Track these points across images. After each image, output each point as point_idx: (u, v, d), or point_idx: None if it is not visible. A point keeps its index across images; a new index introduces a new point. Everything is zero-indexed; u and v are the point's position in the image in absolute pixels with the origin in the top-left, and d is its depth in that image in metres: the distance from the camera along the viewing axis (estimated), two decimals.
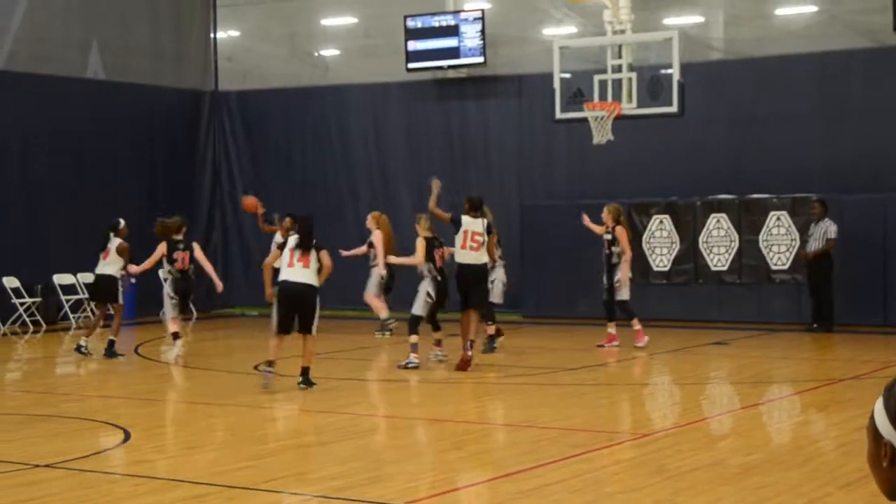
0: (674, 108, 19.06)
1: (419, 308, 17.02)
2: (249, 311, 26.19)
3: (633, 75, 19.39)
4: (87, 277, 24.94)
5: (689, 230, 23.56)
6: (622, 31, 19.31)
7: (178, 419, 13.33)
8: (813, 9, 23.33)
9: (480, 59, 25.46)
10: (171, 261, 18.32)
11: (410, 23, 25.93)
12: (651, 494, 9.13)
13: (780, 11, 23.68)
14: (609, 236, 19.16)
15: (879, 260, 21.93)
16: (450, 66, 25.97)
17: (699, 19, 24.22)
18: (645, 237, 23.81)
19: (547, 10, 25.30)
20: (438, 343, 17.55)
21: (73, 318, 24.57)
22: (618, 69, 19.34)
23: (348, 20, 27.88)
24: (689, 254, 23.51)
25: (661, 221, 23.69)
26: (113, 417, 13.08)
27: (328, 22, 28.09)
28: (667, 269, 23.70)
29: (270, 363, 14.90)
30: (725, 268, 23.24)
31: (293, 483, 9.66)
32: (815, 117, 22.97)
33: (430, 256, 16.94)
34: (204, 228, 28.21)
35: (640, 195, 23.99)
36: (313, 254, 14.94)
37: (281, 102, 28.21)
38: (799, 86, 23.08)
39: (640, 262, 23.41)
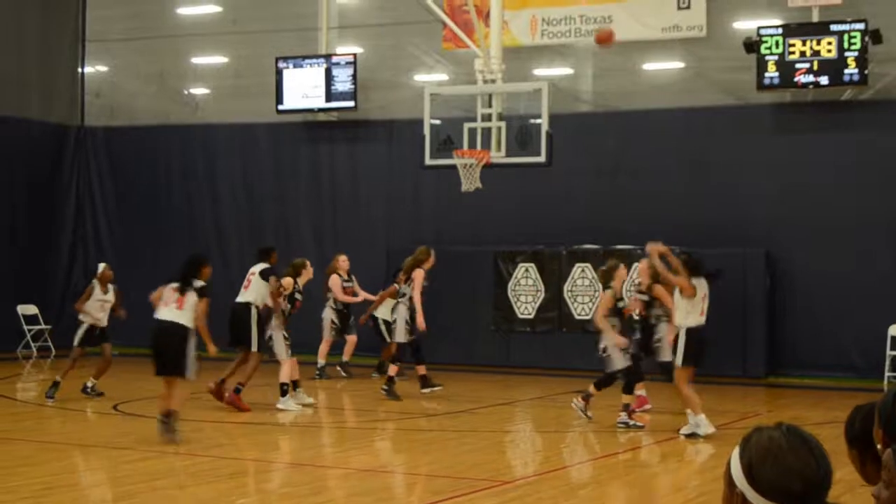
0: (542, 158, 19.17)
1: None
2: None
3: (503, 124, 19.48)
4: None
5: (554, 279, 23.76)
6: (493, 81, 19.42)
7: (31, 460, 13.01)
8: (679, 65, 23.77)
9: (351, 104, 25.45)
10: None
11: (282, 64, 25.86)
12: None
13: (647, 66, 24.08)
14: (646, 297, 17.68)
15: (740, 314, 22.19)
16: (320, 110, 25.92)
17: (569, 71, 24.53)
18: (510, 285, 23.95)
19: (419, 56, 25.42)
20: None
21: None
22: (488, 118, 19.43)
23: (219, 59, 27.66)
24: (554, 302, 23.70)
25: (526, 269, 23.87)
26: None
27: (198, 60, 27.85)
28: (531, 316, 23.84)
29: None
30: (589, 317, 23.45)
31: None
32: (680, 171, 23.35)
33: None
34: (66, 268, 27.64)
35: (506, 243, 24.16)
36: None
37: (149, 140, 27.85)
38: (664, 140, 23.45)
39: (505, 309, 23.67)
